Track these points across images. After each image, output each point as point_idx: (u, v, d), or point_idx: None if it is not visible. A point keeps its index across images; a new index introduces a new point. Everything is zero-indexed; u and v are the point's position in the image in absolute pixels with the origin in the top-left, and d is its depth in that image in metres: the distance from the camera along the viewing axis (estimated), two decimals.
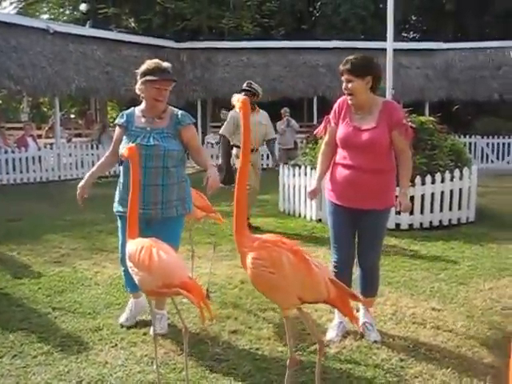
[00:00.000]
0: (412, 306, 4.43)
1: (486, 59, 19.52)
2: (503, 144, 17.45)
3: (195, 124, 3.95)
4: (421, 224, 7.50)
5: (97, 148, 15.07)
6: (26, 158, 13.63)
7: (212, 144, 17.05)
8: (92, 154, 14.81)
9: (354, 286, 3.94)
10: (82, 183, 3.93)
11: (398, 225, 7.33)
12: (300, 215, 8.47)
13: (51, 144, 15.22)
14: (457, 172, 7.63)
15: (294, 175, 8.59)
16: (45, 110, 26.17)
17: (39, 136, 16.10)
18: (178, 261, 3.04)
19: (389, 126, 3.63)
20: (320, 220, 7.82)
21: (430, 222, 7.56)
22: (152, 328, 3.30)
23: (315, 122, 17.05)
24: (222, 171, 7.30)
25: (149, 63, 3.77)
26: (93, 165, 14.90)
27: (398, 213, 6.63)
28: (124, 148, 3.46)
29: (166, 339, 3.81)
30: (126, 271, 3.43)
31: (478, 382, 3.22)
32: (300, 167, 8.43)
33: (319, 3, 24.89)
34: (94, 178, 4.02)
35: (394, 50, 8.63)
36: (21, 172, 13.55)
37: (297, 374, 3.19)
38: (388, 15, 8.19)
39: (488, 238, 6.85)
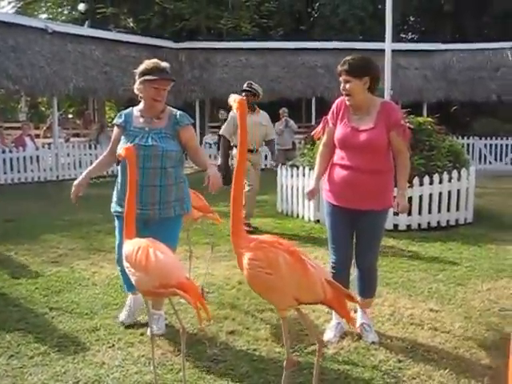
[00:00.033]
0: (410, 307, 4.43)
1: (484, 60, 19.55)
2: (501, 145, 17.49)
3: (193, 124, 3.94)
4: (419, 225, 7.51)
5: (95, 148, 15.05)
6: (24, 158, 13.63)
7: (210, 144, 17.05)
8: (90, 154, 14.80)
9: (352, 286, 3.94)
10: (77, 181, 3.91)
11: (396, 225, 7.33)
12: (298, 216, 8.47)
13: (49, 144, 15.20)
14: (455, 173, 7.63)
15: (292, 176, 8.59)
16: (43, 109, 26.13)
17: (37, 136, 16.08)
18: (174, 261, 3.03)
19: (387, 126, 3.62)
20: (318, 221, 7.82)
21: (428, 223, 7.56)
22: (149, 328, 3.29)
23: (313, 122, 17.04)
24: (221, 171, 7.30)
25: (147, 63, 3.76)
26: (91, 165, 14.95)
27: (396, 214, 6.63)
28: (121, 148, 3.45)
29: (164, 340, 3.80)
30: (123, 271, 3.42)
31: (476, 383, 3.22)
32: (298, 168, 8.43)
33: (318, 4, 24.90)
34: (90, 177, 4.00)
35: (393, 51, 8.63)
36: (18, 172, 13.54)
37: (294, 374, 3.19)
38: (386, 16, 8.18)
39: (486, 239, 6.85)
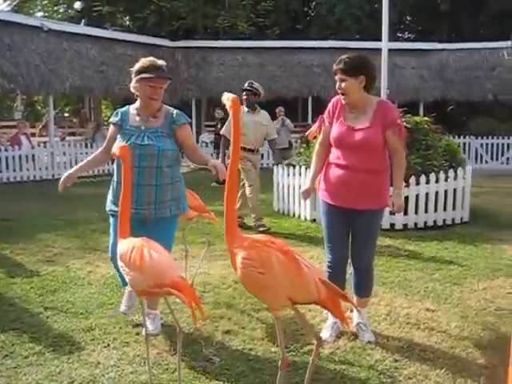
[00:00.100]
0: (406, 307, 4.42)
1: (480, 60, 19.59)
2: (497, 144, 17.52)
3: (190, 123, 3.93)
4: (415, 224, 7.51)
5: (91, 147, 15.01)
6: (20, 157, 13.58)
7: (207, 143, 17.03)
8: (86, 153, 14.69)
9: (348, 286, 3.93)
10: (68, 173, 3.87)
11: (392, 225, 7.33)
12: (294, 215, 8.46)
13: (45, 142, 15.16)
14: (451, 172, 7.64)
15: (288, 175, 8.58)
16: (39, 108, 26.09)
17: (33, 134, 16.04)
18: (169, 260, 3.02)
19: (383, 125, 3.61)
20: (314, 220, 7.81)
21: (425, 222, 7.57)
22: (144, 328, 3.28)
23: (310, 121, 17.06)
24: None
25: (143, 61, 3.73)
26: None
27: (393, 213, 6.63)
28: (116, 147, 3.43)
29: (159, 339, 3.78)
30: (118, 268, 3.40)
31: (472, 382, 3.21)
32: (294, 167, 8.42)
33: (314, 3, 24.94)
34: (82, 172, 3.98)
35: (389, 50, 8.62)
36: (14, 170, 13.50)
37: (290, 374, 3.18)
38: (383, 15, 8.18)
39: (482, 239, 6.86)
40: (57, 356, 3.52)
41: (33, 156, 13.94)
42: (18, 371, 3.32)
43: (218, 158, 13.49)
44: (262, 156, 13.38)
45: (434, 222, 7.63)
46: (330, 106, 3.81)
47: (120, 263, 3.05)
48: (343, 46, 16.96)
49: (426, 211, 7.56)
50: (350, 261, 3.89)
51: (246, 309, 4.37)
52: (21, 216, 8.46)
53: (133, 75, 3.73)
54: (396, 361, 3.47)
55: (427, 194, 7.51)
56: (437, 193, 7.57)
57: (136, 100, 3.85)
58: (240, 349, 3.66)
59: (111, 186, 3.88)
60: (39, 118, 21.33)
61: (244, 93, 7.58)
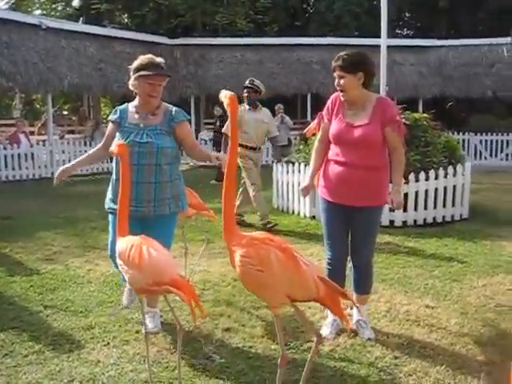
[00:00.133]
0: (406, 304, 4.42)
1: (479, 56, 19.55)
2: (496, 141, 17.51)
3: (189, 120, 3.92)
4: (415, 221, 7.50)
5: (90, 145, 14.97)
6: (19, 155, 13.55)
7: (206, 141, 17.00)
8: (85, 151, 14.63)
9: (348, 283, 3.93)
10: (65, 166, 3.89)
11: (391, 222, 7.33)
12: (294, 212, 8.46)
13: (44, 141, 15.12)
14: (450, 169, 7.63)
15: (287, 172, 8.58)
16: (37, 106, 26.06)
17: (32, 133, 16.00)
18: (168, 258, 3.01)
19: (382, 122, 3.61)
20: (314, 217, 7.81)
21: (424, 219, 7.56)
22: (143, 326, 3.27)
23: (309, 118, 17.04)
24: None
25: (142, 58, 3.72)
26: None
27: (392, 210, 6.63)
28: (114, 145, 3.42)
29: (159, 337, 3.78)
30: (117, 265, 3.40)
31: (472, 379, 3.21)
32: (294, 164, 8.41)
33: (313, 0, 24.87)
34: (79, 167, 4.02)
35: (388, 47, 8.60)
36: (13, 169, 13.47)
37: (290, 372, 3.18)
38: (382, 12, 8.16)
39: (481, 235, 6.86)
40: (56, 354, 3.52)
41: (32, 154, 13.90)
42: (17, 370, 3.32)
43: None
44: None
45: (434, 218, 7.63)
46: (328, 102, 3.80)
47: (119, 261, 3.04)
48: (342, 42, 16.93)
49: (425, 208, 7.55)
50: (349, 257, 3.89)
51: (246, 306, 4.37)
52: (20, 214, 8.45)
53: (131, 73, 3.72)
54: (396, 358, 3.47)
55: (426, 191, 7.51)
56: (436, 189, 7.57)
57: (135, 98, 3.84)
58: (240, 346, 3.66)
59: (110, 184, 3.87)
60: (38, 116, 21.28)
61: (245, 90, 7.55)
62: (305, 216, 8.14)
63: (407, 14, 27.65)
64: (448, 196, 7.68)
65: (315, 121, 3.92)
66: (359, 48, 4.14)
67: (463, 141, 16.99)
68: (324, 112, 3.83)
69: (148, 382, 3.16)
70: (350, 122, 3.66)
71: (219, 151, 7.66)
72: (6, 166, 13.36)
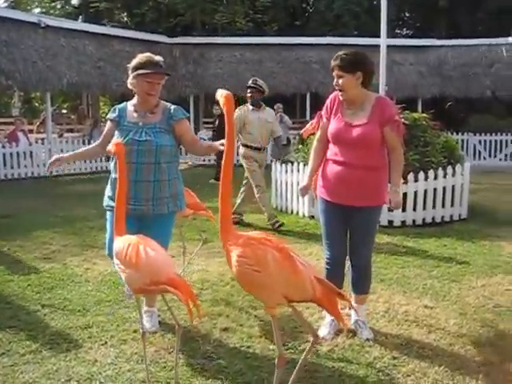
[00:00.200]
0: (404, 304, 4.41)
1: (478, 56, 19.56)
2: (495, 141, 17.54)
3: (188, 119, 3.90)
4: (413, 221, 7.50)
5: (88, 143, 14.91)
6: (17, 153, 13.54)
7: (204, 140, 16.98)
8: None
9: (346, 283, 3.92)
10: (60, 155, 3.89)
11: (390, 222, 7.32)
12: (292, 212, 8.45)
13: (42, 139, 15.12)
14: (449, 169, 7.63)
15: (286, 171, 8.57)
16: (36, 104, 26.04)
17: (30, 131, 15.98)
18: (165, 258, 3.00)
19: (380, 122, 3.59)
20: (313, 216, 7.80)
21: (423, 219, 7.56)
22: (140, 326, 3.26)
23: (308, 118, 17.03)
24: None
25: (140, 57, 3.71)
26: (84, 160, 14.88)
27: (391, 210, 6.63)
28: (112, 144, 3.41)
29: (157, 337, 3.77)
30: None
31: (471, 380, 3.20)
32: (292, 163, 8.40)
33: None
34: (73, 159, 4.07)
35: (388, 47, 8.60)
36: (12, 167, 13.46)
37: (288, 372, 3.16)
38: (382, 11, 8.15)
39: (480, 235, 6.86)
40: (54, 354, 3.51)
41: (30, 153, 13.89)
42: (14, 369, 3.30)
43: (216, 155, 13.48)
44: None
45: (433, 218, 7.62)
46: (327, 102, 3.79)
47: (116, 261, 3.03)
48: (341, 42, 16.94)
49: (424, 208, 7.55)
50: (348, 258, 3.88)
51: (244, 306, 4.36)
52: (18, 213, 8.43)
53: (130, 71, 3.71)
54: (394, 358, 3.46)
55: (425, 191, 7.50)
56: (435, 189, 7.57)
57: (133, 96, 3.83)
58: (238, 346, 3.65)
59: (109, 182, 3.85)
60: (37, 114, 21.27)
61: (248, 90, 7.51)
62: (304, 216, 8.13)
63: (407, 14, 27.68)
64: (447, 196, 7.67)
65: (312, 121, 3.92)
66: (358, 48, 4.13)
67: (462, 141, 17.01)
68: (323, 111, 3.82)
69: (145, 381, 3.15)
70: (348, 121, 3.65)
71: (218, 151, 7.63)
72: (5, 165, 13.35)
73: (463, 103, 20.37)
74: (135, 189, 3.62)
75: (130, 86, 3.77)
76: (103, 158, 14.01)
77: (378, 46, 8.36)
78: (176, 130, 3.76)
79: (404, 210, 7.27)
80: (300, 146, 8.78)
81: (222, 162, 2.83)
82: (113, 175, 3.81)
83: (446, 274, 5.27)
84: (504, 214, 8.16)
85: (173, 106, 3.82)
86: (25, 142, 14.16)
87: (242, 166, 7.62)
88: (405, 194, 7.02)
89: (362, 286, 3.89)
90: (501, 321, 4.09)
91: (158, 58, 3.73)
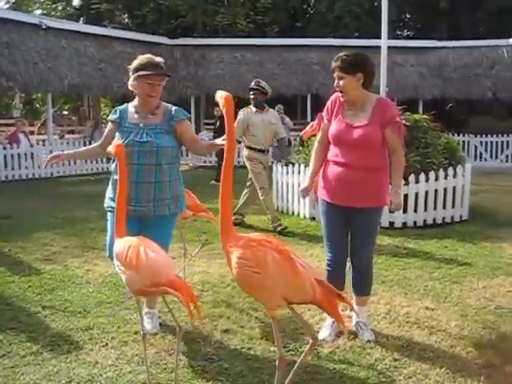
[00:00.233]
0: (406, 305, 4.41)
1: (479, 57, 19.55)
2: (496, 142, 17.52)
3: (189, 119, 3.90)
4: (414, 222, 7.49)
5: (89, 144, 14.90)
6: (18, 155, 13.54)
7: (205, 141, 16.99)
8: None
9: (348, 284, 3.91)
10: (60, 152, 3.92)
11: (391, 223, 7.31)
12: (294, 213, 8.44)
13: (43, 140, 15.12)
14: (450, 170, 7.62)
15: (287, 173, 8.56)
16: (37, 106, 26.07)
17: (31, 132, 15.99)
18: (165, 259, 3.00)
19: (381, 123, 3.59)
20: (314, 218, 7.79)
21: (424, 221, 7.55)
22: (141, 327, 3.26)
23: (309, 119, 17.04)
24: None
25: (141, 58, 3.72)
26: (85, 162, 14.88)
27: (392, 211, 6.62)
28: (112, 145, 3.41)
29: (158, 338, 3.76)
30: None
31: (472, 382, 3.19)
32: (293, 165, 8.40)
33: (313, 0, 24.90)
34: (72, 158, 4.11)
35: (389, 48, 8.60)
36: (12, 169, 13.46)
37: (288, 374, 3.15)
38: (382, 13, 8.15)
39: (481, 237, 6.85)
40: (55, 355, 3.50)
41: (31, 154, 13.89)
42: (15, 371, 3.30)
43: (217, 156, 13.47)
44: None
45: (434, 220, 7.62)
46: (328, 103, 3.79)
47: (116, 262, 3.03)
48: (342, 43, 16.90)
49: (425, 209, 7.54)
50: (349, 259, 3.87)
51: (245, 308, 4.35)
52: (19, 214, 8.43)
53: (130, 73, 3.71)
54: (396, 360, 3.45)
55: (426, 192, 7.50)
56: (436, 191, 7.56)
57: (134, 98, 3.83)
58: (239, 348, 3.64)
59: (110, 183, 3.85)
60: (38, 116, 21.30)
61: (251, 92, 7.48)
62: (305, 217, 8.13)
63: (407, 15, 27.68)
64: (448, 197, 7.66)
65: (312, 123, 3.91)
66: (360, 49, 4.13)
67: (463, 142, 17.00)
68: (324, 113, 3.82)
69: (146, 383, 3.14)
70: (349, 122, 3.65)
71: (219, 152, 7.61)
72: (6, 166, 13.35)
73: (464, 104, 20.36)
74: (136, 190, 3.62)
75: (130, 88, 3.77)
76: (104, 159, 14.04)
77: (378, 48, 8.36)
78: (177, 131, 3.76)
79: (405, 211, 7.26)
80: (301, 148, 8.77)
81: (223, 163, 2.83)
82: (114, 176, 3.80)
83: (447, 275, 5.27)
84: (505, 216, 8.15)
85: (174, 107, 3.82)
86: (26, 144, 14.16)
87: (244, 167, 7.61)
88: (406, 196, 7.02)
89: (363, 287, 3.89)
90: (502, 322, 4.09)
91: (158, 59, 3.74)
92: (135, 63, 3.70)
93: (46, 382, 3.18)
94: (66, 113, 24.29)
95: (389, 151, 3.68)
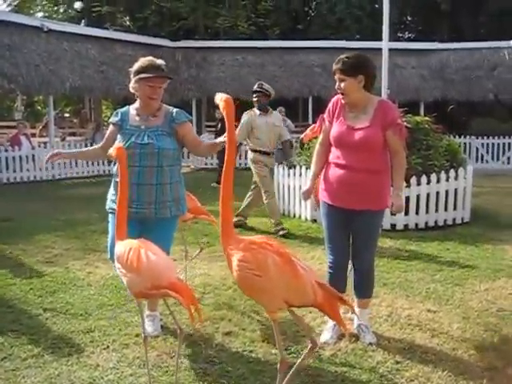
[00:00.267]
0: (407, 308, 4.39)
1: (480, 59, 19.54)
2: (498, 144, 17.49)
3: (190, 121, 3.90)
4: (416, 224, 7.48)
5: (91, 147, 14.98)
6: (20, 157, 13.55)
7: None
8: None
9: (349, 286, 3.91)
10: (60, 150, 3.93)
11: (393, 225, 7.30)
12: (295, 215, 8.43)
13: (45, 143, 15.14)
14: (452, 172, 7.61)
15: (288, 175, 8.55)
16: (39, 108, 26.11)
17: (33, 135, 16.01)
18: (166, 262, 2.99)
19: (383, 125, 3.58)
20: (315, 220, 7.78)
21: (426, 223, 7.54)
22: (142, 330, 3.25)
23: (310, 121, 17.04)
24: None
25: (142, 61, 3.72)
26: (87, 164, 14.89)
27: (393, 213, 6.61)
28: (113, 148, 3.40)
29: (159, 341, 3.76)
30: None
31: None
32: (295, 167, 8.39)
33: (315, 3, 24.93)
34: (73, 157, 4.15)
35: (390, 50, 8.60)
36: (14, 171, 13.46)
37: (290, 376, 3.14)
38: (384, 15, 8.16)
39: (483, 239, 6.83)
40: (56, 358, 3.50)
41: (33, 156, 13.90)
42: (16, 374, 3.30)
43: (218, 158, 13.48)
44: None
45: (435, 222, 7.61)
46: (330, 105, 3.79)
47: (117, 265, 3.02)
48: (344, 45, 16.94)
49: (426, 211, 7.53)
50: (351, 262, 3.86)
51: (247, 310, 4.34)
52: (21, 216, 8.43)
53: (132, 75, 3.72)
54: (397, 363, 3.44)
55: (428, 195, 7.49)
56: (438, 193, 7.55)
57: (136, 100, 3.83)
58: (240, 351, 3.63)
59: (112, 185, 3.85)
60: (39, 118, 21.33)
61: (254, 95, 7.45)
62: (306, 219, 8.11)
63: (409, 18, 27.68)
64: (449, 199, 7.65)
65: (311, 126, 3.91)
66: (361, 51, 4.13)
67: (465, 144, 16.97)
68: (325, 114, 3.82)
69: None
70: (350, 124, 3.64)
71: (220, 154, 7.61)
72: (7, 168, 13.35)
73: (465, 106, 20.34)
74: (138, 192, 3.62)
75: (132, 90, 3.77)
76: (105, 162, 14.05)
77: (380, 50, 8.36)
78: (179, 133, 3.76)
79: (407, 213, 7.25)
80: (301, 150, 8.76)
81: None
82: (116, 178, 3.80)
83: (449, 277, 5.25)
84: (507, 218, 8.14)
85: (175, 110, 3.82)
86: (27, 146, 14.18)
87: (248, 169, 7.58)
88: (407, 198, 7.01)
89: (364, 290, 3.88)
90: (504, 325, 4.07)
91: (159, 61, 3.74)
92: (136, 66, 3.70)
93: None
94: (67, 115, 24.32)
95: (390, 153, 3.67)
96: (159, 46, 18.36)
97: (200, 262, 5.57)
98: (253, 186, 7.59)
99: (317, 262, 5.70)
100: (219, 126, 13.03)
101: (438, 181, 7.49)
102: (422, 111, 17.62)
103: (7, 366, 3.39)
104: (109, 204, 3.85)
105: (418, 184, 7.36)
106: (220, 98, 2.82)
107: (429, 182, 7.42)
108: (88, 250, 6.32)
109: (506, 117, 18.70)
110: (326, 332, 3.81)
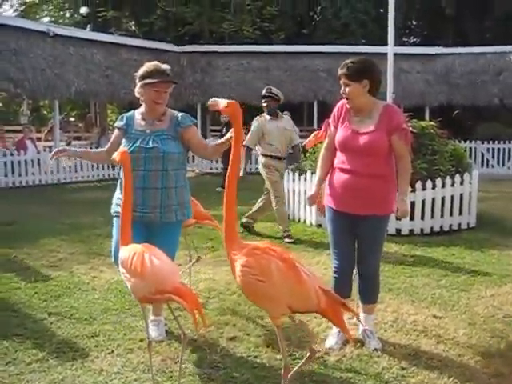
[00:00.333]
0: (413, 313, 4.37)
1: (486, 64, 19.49)
2: (503, 149, 17.43)
3: (195, 125, 3.89)
4: (421, 230, 7.45)
5: None
6: (25, 161, 13.60)
7: None
8: None
9: (354, 291, 3.89)
10: (66, 147, 3.96)
11: (398, 230, 7.28)
12: (300, 220, 8.42)
13: (50, 147, 15.15)
14: (457, 177, 7.58)
15: (293, 180, 8.54)
16: (44, 113, 26.21)
17: (38, 139, 16.07)
18: (170, 267, 2.99)
19: (388, 129, 3.57)
20: (320, 225, 7.76)
21: (431, 228, 7.51)
22: (146, 335, 3.25)
23: (315, 126, 17.04)
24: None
25: (147, 66, 3.73)
26: (92, 168, 14.92)
27: (398, 218, 6.60)
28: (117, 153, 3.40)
29: (164, 346, 3.75)
30: None
31: None
32: (304, 172, 8.37)
33: (320, 7, 24.90)
34: (78, 156, 4.28)
35: (395, 55, 8.59)
36: (19, 175, 13.51)
37: (294, 382, 3.13)
38: (389, 20, 8.15)
39: (489, 244, 6.80)
40: (60, 363, 3.49)
41: (38, 160, 13.95)
42: (20, 378, 3.29)
43: (223, 163, 13.47)
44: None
45: (441, 227, 7.58)
46: (335, 110, 3.78)
47: (121, 269, 3.02)
48: (349, 50, 16.92)
49: (432, 216, 7.50)
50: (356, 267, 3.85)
51: (251, 315, 4.33)
52: (26, 220, 8.45)
53: (137, 80, 3.73)
54: (403, 369, 3.42)
55: (433, 199, 7.46)
56: (443, 198, 7.52)
57: (141, 104, 3.84)
58: (245, 356, 3.62)
59: (118, 189, 3.84)
60: (45, 122, 21.42)
61: (264, 100, 7.37)
62: (311, 224, 8.10)
63: (414, 22, 27.65)
64: (455, 204, 7.62)
65: (315, 132, 3.91)
66: (366, 56, 4.11)
67: (470, 149, 16.93)
68: (330, 119, 3.81)
69: None
70: (355, 129, 3.63)
71: (225, 158, 7.60)
72: (13, 172, 13.40)
73: (471, 111, 20.29)
74: (143, 196, 3.62)
75: (137, 95, 3.79)
76: (110, 166, 14.07)
77: (385, 54, 8.35)
78: (184, 137, 3.77)
79: (412, 218, 7.23)
80: (307, 155, 8.75)
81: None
82: (123, 183, 3.81)
83: (455, 283, 5.23)
84: None
85: (180, 114, 3.83)
86: (33, 150, 14.24)
87: (259, 173, 7.52)
88: (413, 203, 6.99)
89: (369, 295, 3.86)
90: (511, 331, 4.05)
91: (164, 66, 3.75)
92: (141, 71, 3.71)
93: None
94: (72, 119, 24.44)
95: (395, 158, 3.66)
96: (164, 51, 18.39)
97: (205, 266, 5.56)
98: (266, 192, 7.54)
99: (322, 267, 5.68)
100: (224, 130, 13.03)
101: (444, 186, 7.47)
102: (427, 116, 17.57)
103: (12, 370, 3.39)
104: (114, 207, 3.86)
105: (424, 189, 7.34)
106: (224, 104, 2.82)
107: (434, 187, 7.40)
108: (93, 254, 6.32)
109: (511, 122, 18.63)
110: (331, 337, 3.79)
